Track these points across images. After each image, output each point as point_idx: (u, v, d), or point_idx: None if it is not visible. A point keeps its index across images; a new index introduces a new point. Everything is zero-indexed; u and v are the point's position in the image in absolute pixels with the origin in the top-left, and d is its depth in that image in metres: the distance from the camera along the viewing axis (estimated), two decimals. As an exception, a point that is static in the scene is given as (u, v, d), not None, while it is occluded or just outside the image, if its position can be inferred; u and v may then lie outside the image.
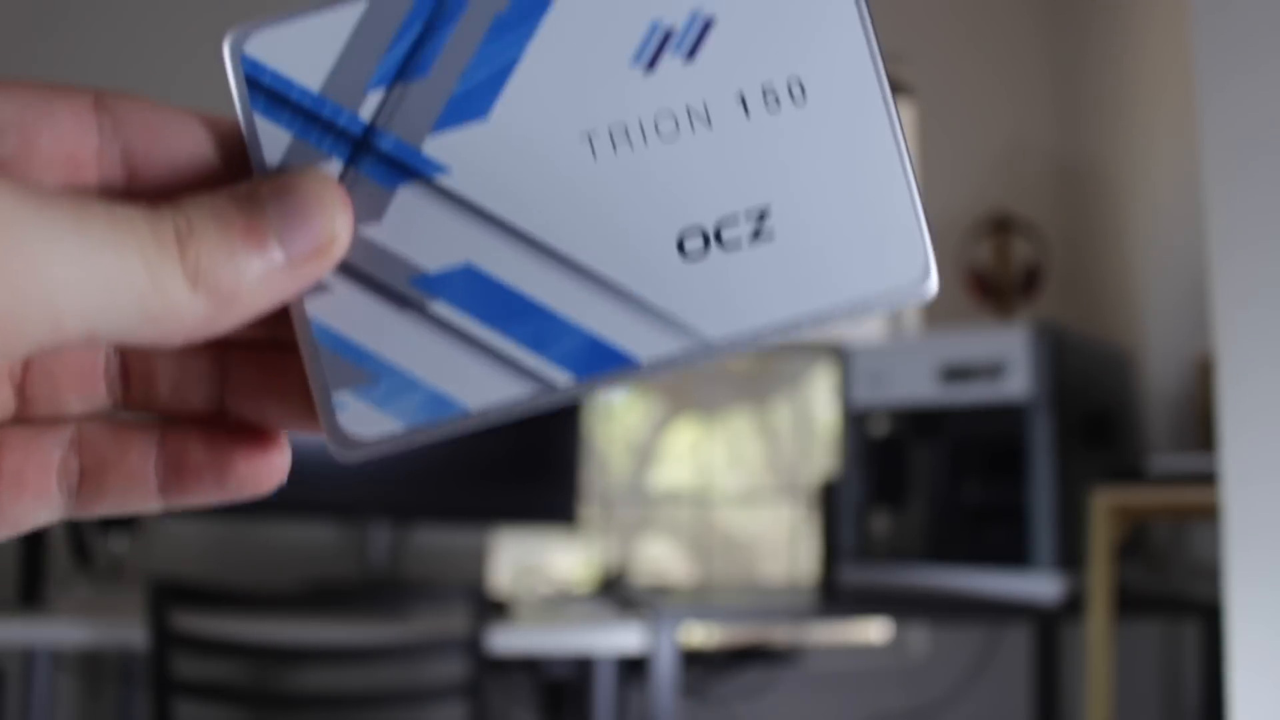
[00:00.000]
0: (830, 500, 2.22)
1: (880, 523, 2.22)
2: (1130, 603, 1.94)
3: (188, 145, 0.22)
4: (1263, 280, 0.88)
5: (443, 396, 0.22)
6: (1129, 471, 2.06)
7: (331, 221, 0.20)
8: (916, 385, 2.13)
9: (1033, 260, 2.62)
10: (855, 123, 0.22)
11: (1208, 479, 1.26)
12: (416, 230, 0.21)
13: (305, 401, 0.22)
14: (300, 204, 0.20)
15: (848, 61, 0.21)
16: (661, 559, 2.60)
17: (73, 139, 0.20)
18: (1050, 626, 2.43)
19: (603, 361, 0.21)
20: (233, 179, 0.22)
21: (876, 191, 0.22)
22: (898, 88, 2.78)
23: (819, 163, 0.21)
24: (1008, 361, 2.01)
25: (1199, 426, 2.23)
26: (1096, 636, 1.75)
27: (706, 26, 0.21)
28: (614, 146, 0.21)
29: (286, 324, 0.22)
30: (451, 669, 1.77)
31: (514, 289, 0.21)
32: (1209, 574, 2.16)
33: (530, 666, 2.18)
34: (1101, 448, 2.16)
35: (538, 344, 0.21)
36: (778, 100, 0.21)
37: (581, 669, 2.02)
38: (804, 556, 2.61)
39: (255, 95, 0.22)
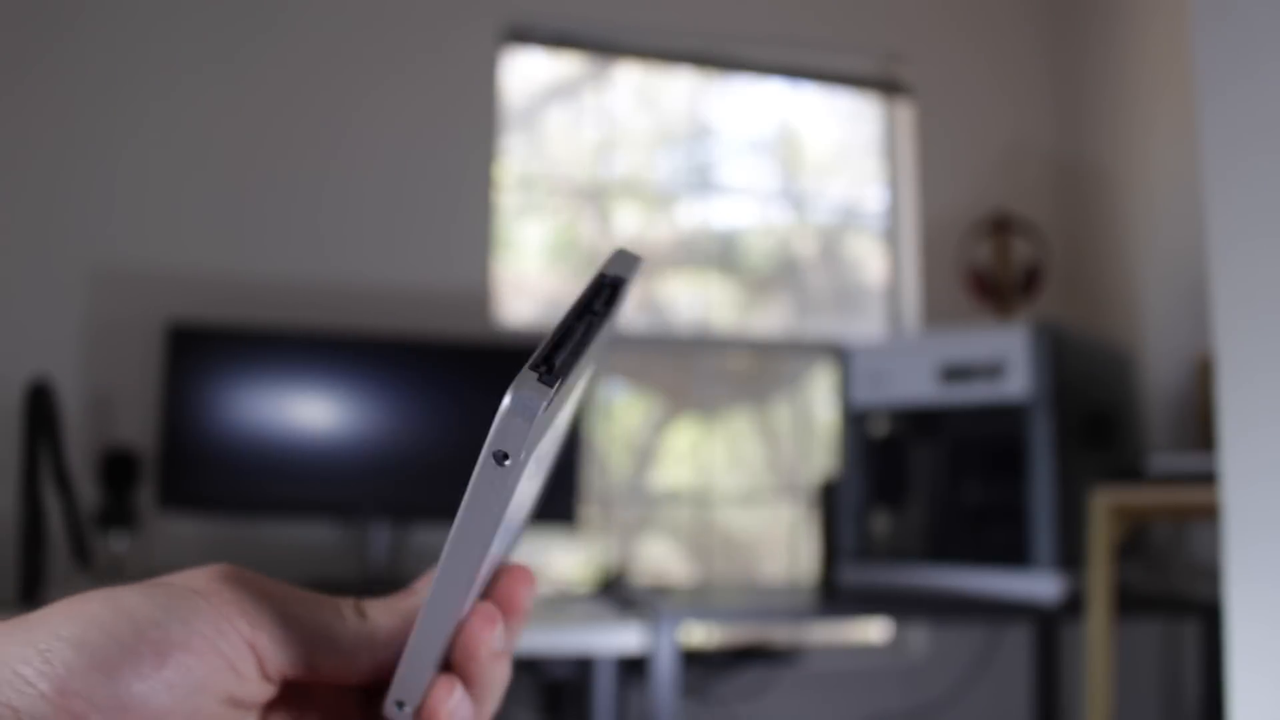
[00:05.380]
0: (830, 500, 2.22)
1: (880, 523, 2.22)
2: (1130, 603, 1.94)
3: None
4: (1263, 280, 0.88)
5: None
6: (1129, 471, 2.06)
7: None
8: (916, 385, 2.13)
9: (1033, 260, 2.62)
10: None
11: (1208, 479, 1.26)
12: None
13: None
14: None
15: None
16: (661, 559, 2.60)
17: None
18: (1050, 626, 2.43)
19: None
20: None
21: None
22: (900, 86, 2.78)
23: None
24: (1008, 361, 2.01)
25: (1199, 426, 2.23)
26: (1096, 636, 1.75)
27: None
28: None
29: None
30: (451, 669, 1.76)
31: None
32: (1209, 574, 2.16)
33: (530, 666, 2.18)
34: (1101, 448, 2.16)
35: None
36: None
37: (581, 669, 2.02)
38: (804, 556, 2.61)
39: None
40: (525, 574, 0.37)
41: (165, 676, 0.29)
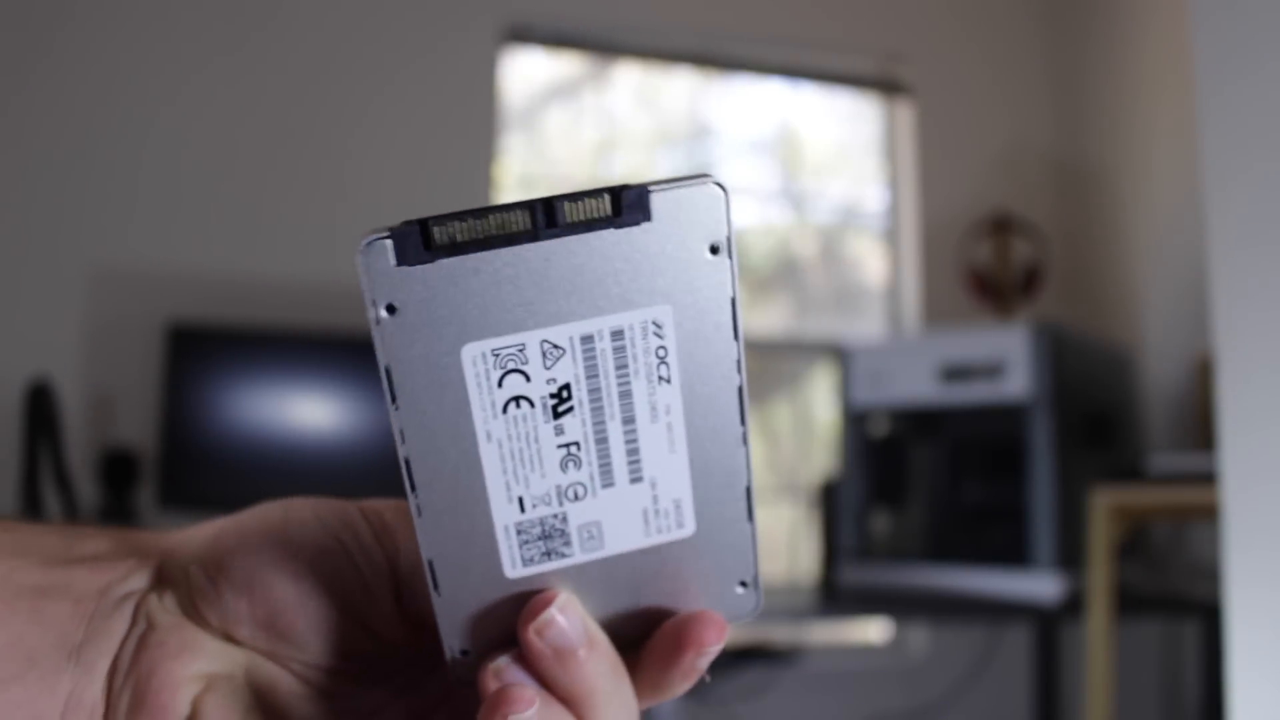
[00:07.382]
0: (830, 500, 2.22)
1: (880, 523, 2.22)
2: (1130, 603, 1.94)
3: None
4: (1263, 280, 0.88)
5: None
6: (1129, 471, 2.06)
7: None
8: (916, 385, 2.13)
9: (1033, 260, 2.62)
10: None
11: (1208, 479, 1.26)
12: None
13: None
14: None
15: None
16: (661, 559, 2.59)
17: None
18: (1050, 626, 2.43)
19: None
20: None
21: None
22: (900, 86, 2.78)
23: None
24: (1008, 361, 2.01)
25: (1199, 426, 2.23)
26: (1096, 636, 1.75)
27: None
28: None
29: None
30: (451, 669, 1.76)
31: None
32: (1209, 574, 2.16)
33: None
34: (1101, 448, 2.16)
35: None
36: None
37: (581, 669, 2.02)
38: (804, 556, 2.61)
39: None
40: (707, 624, 0.31)
41: (291, 569, 0.31)
